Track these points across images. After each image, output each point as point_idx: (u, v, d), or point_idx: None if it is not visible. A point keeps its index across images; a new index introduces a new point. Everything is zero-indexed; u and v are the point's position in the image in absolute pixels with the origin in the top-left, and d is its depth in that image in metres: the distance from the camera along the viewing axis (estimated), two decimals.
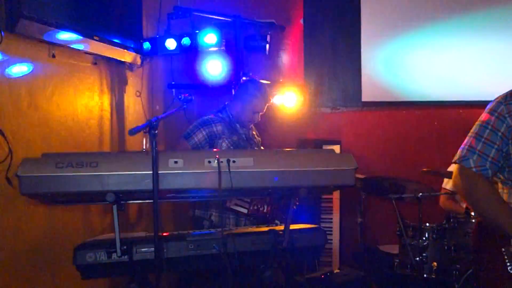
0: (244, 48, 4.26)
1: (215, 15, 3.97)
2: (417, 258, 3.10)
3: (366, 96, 4.58)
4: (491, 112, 1.90)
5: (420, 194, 3.20)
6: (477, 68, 4.34)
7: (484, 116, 1.93)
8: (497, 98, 1.93)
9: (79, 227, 2.67)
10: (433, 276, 3.11)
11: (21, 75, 2.26)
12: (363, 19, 4.56)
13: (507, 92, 1.92)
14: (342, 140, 4.32)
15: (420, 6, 4.49)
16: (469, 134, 1.95)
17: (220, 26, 3.88)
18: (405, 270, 3.21)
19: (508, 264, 1.80)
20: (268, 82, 4.40)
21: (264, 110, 3.02)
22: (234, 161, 1.88)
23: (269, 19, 4.37)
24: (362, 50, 4.55)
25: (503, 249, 1.82)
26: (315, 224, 2.35)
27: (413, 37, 4.47)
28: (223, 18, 4.02)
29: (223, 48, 3.54)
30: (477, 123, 1.94)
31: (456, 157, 1.94)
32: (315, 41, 4.69)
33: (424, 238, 3.17)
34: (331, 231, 4.14)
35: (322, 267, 3.94)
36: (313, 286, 3.16)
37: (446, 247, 3.11)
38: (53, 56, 2.45)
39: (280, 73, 4.75)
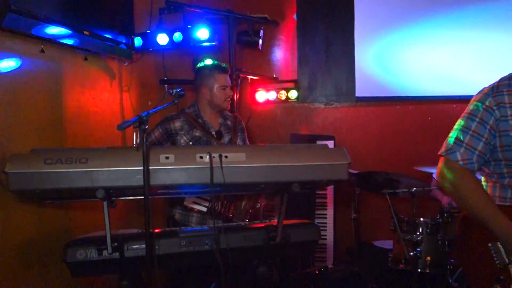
0: (237, 44, 4.24)
1: (208, 10, 3.95)
2: (411, 253, 3.10)
3: (359, 91, 4.57)
4: (479, 104, 1.85)
5: (414, 189, 3.20)
6: (470, 63, 4.35)
7: (470, 108, 1.88)
8: (483, 89, 1.90)
9: (70, 224, 2.64)
10: (427, 271, 3.11)
11: (9, 70, 2.22)
12: (357, 14, 4.54)
13: (493, 84, 1.89)
14: (335, 136, 4.31)
15: (413, 1, 4.49)
16: (455, 126, 1.91)
17: (212, 21, 3.86)
18: (400, 265, 3.21)
19: (496, 259, 1.78)
20: (260, 77, 4.40)
21: (230, 85, 2.97)
22: (226, 156, 1.86)
23: (262, 14, 4.35)
24: (355, 45, 4.55)
25: (489, 244, 1.80)
26: (309, 219, 2.33)
27: (407, 32, 4.47)
28: (216, 13, 3.99)
29: (215, 43, 3.51)
30: (463, 114, 1.90)
31: (442, 150, 1.91)
32: (309, 37, 4.67)
33: (418, 233, 3.17)
34: (326, 226, 4.14)
35: (317, 263, 3.94)
36: (307, 282, 3.16)
37: (440, 242, 3.12)
38: (42, 51, 2.41)
39: (273, 68, 4.73)
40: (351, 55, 4.56)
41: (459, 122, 1.90)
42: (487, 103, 1.83)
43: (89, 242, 1.94)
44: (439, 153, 1.93)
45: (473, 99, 1.91)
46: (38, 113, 2.41)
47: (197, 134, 2.82)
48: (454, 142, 1.86)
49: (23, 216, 2.29)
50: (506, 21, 4.23)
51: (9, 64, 2.23)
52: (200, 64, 3.01)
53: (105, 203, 1.84)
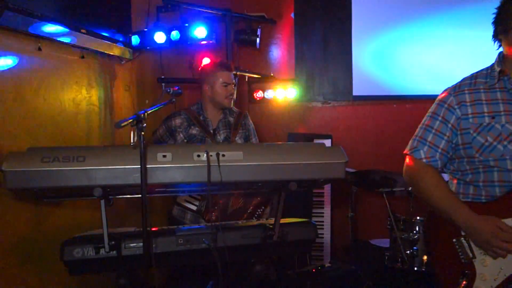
0: (234, 42, 4.24)
1: (205, 8, 3.95)
2: (408, 252, 3.12)
3: (357, 90, 4.59)
4: (441, 103, 1.92)
5: (411, 187, 3.21)
6: (467, 62, 4.36)
7: (434, 107, 1.95)
8: (446, 89, 1.97)
9: (67, 222, 2.64)
10: (424, 269, 3.13)
11: (6, 68, 2.21)
12: (354, 13, 4.56)
13: (456, 83, 1.95)
14: (333, 134, 4.32)
15: (410, 0, 4.50)
16: (420, 125, 1.98)
17: (210, 20, 3.86)
18: (396, 263, 3.22)
19: (460, 254, 1.82)
20: (257, 76, 4.40)
21: (234, 81, 2.95)
22: (223, 155, 1.86)
23: (259, 13, 4.35)
24: (353, 44, 4.56)
25: (454, 240, 1.84)
26: (306, 218, 2.33)
27: (404, 31, 4.48)
28: (213, 12, 3.99)
29: (213, 41, 3.51)
30: (427, 114, 1.97)
31: (407, 148, 1.98)
32: (306, 35, 4.67)
33: (414, 232, 3.18)
34: (322, 225, 4.15)
35: (313, 261, 3.95)
36: (304, 280, 3.16)
37: None
38: (40, 49, 2.40)
39: (271, 67, 4.73)
40: (348, 54, 4.58)
41: (423, 121, 1.97)
42: (448, 102, 1.90)
43: (86, 240, 1.93)
44: (404, 151, 2.01)
45: (437, 98, 1.97)
46: (35, 111, 2.41)
47: (193, 132, 2.83)
48: (418, 141, 1.94)
49: (20, 214, 2.29)
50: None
51: (5, 62, 2.22)
52: (204, 62, 3.04)
53: (102, 201, 1.84)
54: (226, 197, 2.73)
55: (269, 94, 4.54)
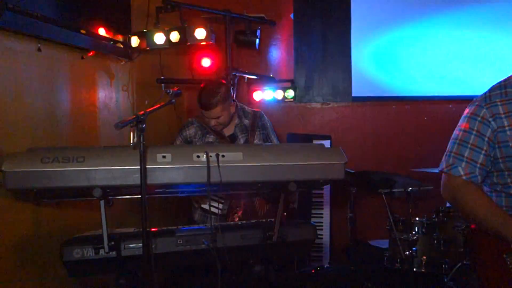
0: (234, 43, 4.24)
1: (205, 9, 3.94)
2: (407, 252, 3.11)
3: (356, 91, 4.59)
4: (473, 117, 1.84)
5: (410, 188, 3.21)
6: (466, 63, 4.37)
7: (466, 121, 1.87)
8: (475, 101, 1.88)
9: (67, 222, 2.64)
10: (423, 270, 3.13)
11: (6, 68, 2.21)
12: (353, 14, 4.56)
13: (484, 95, 1.87)
14: (332, 135, 4.32)
15: (410, 1, 4.51)
16: (452, 140, 1.90)
17: (209, 21, 3.86)
18: (395, 264, 3.22)
19: None
20: (256, 77, 4.40)
21: (216, 116, 2.75)
22: (223, 156, 1.87)
23: (259, 14, 4.35)
24: (352, 45, 4.56)
25: (504, 255, 1.76)
26: (305, 219, 2.34)
27: (403, 32, 4.49)
28: (213, 13, 3.99)
29: (212, 42, 3.51)
30: (459, 128, 1.89)
31: (443, 166, 1.89)
32: (305, 36, 4.68)
33: (413, 232, 3.19)
34: (322, 226, 4.15)
35: (313, 262, 3.95)
36: (304, 281, 3.17)
37: (435, 241, 3.13)
38: (39, 49, 2.40)
39: (270, 68, 4.73)
40: (347, 55, 4.58)
41: (456, 136, 1.88)
42: (481, 115, 1.82)
43: (85, 241, 1.94)
44: (439, 169, 1.91)
45: (466, 111, 1.89)
46: (35, 112, 2.41)
47: (210, 140, 2.82)
48: (454, 157, 1.85)
49: (20, 215, 2.28)
50: (503, 21, 4.25)
51: (5, 62, 2.23)
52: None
53: (101, 202, 1.84)
54: (250, 199, 2.72)
55: (269, 95, 4.54)
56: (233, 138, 2.86)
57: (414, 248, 3.13)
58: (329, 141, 4.25)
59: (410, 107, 4.53)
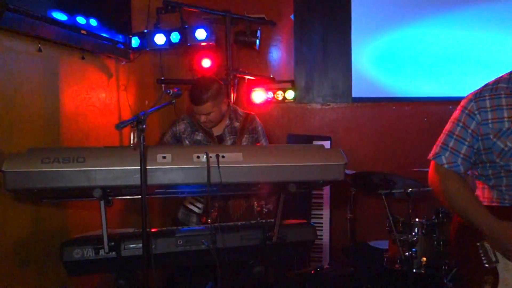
0: (234, 44, 4.25)
1: (205, 10, 3.95)
2: (407, 253, 3.12)
3: (356, 92, 4.59)
4: (462, 109, 1.93)
5: (410, 189, 3.22)
6: (466, 64, 4.38)
7: (455, 113, 1.97)
8: (468, 95, 1.96)
9: (67, 223, 2.64)
10: (423, 271, 3.13)
11: (6, 69, 2.22)
12: (354, 15, 4.57)
13: (478, 89, 1.95)
14: (332, 136, 4.33)
15: (410, 2, 4.51)
16: (443, 131, 1.99)
17: (210, 21, 3.86)
18: (395, 265, 3.22)
19: (483, 258, 1.82)
20: (257, 77, 4.40)
21: (205, 112, 2.72)
22: (223, 156, 1.87)
23: (259, 15, 4.35)
24: (352, 45, 4.57)
25: (477, 244, 1.85)
26: (305, 219, 2.34)
27: (403, 33, 4.49)
28: (213, 13, 3.99)
29: (213, 43, 3.51)
30: (450, 120, 1.98)
31: (430, 154, 1.99)
32: (306, 37, 4.68)
33: (413, 233, 3.19)
34: (322, 226, 4.15)
35: (312, 263, 3.95)
36: (303, 281, 3.17)
37: (435, 242, 3.14)
38: (40, 50, 2.41)
39: (270, 68, 4.74)
40: (347, 56, 4.58)
41: (446, 127, 1.99)
42: (469, 107, 1.91)
43: (85, 241, 1.94)
44: (428, 157, 2.00)
45: (459, 104, 1.98)
46: (35, 112, 2.41)
47: (198, 138, 2.81)
48: (440, 146, 1.96)
49: (20, 215, 2.29)
50: (504, 22, 4.25)
51: (6, 62, 2.23)
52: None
53: (102, 202, 1.84)
54: (225, 200, 2.72)
55: (269, 95, 4.55)
56: (220, 139, 2.86)
57: (413, 249, 3.14)
58: (329, 142, 4.26)
59: (410, 108, 4.53)
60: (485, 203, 1.90)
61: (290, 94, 4.54)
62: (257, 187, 2.09)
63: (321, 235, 4.11)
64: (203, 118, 2.76)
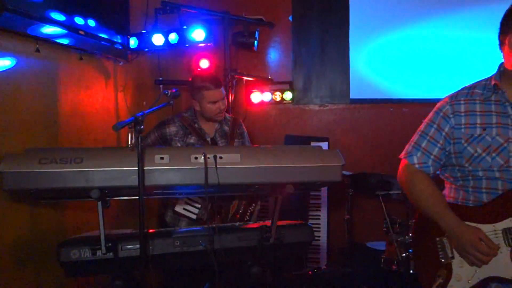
0: (232, 45, 4.25)
1: (203, 11, 3.96)
2: (404, 254, 3.12)
3: (354, 93, 4.60)
4: (437, 111, 1.96)
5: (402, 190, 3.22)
6: (463, 66, 4.39)
7: (431, 114, 1.99)
8: (445, 97, 1.99)
9: (64, 223, 2.64)
10: None
11: (4, 69, 2.22)
12: (352, 17, 4.58)
13: (455, 92, 1.98)
14: (330, 137, 4.33)
15: (407, 4, 4.52)
16: (417, 130, 2.03)
17: (208, 22, 3.86)
18: (392, 266, 3.23)
19: (440, 253, 1.88)
20: (255, 78, 4.41)
21: (223, 96, 2.78)
22: (221, 157, 1.87)
23: (257, 16, 4.36)
24: (350, 47, 4.58)
25: (437, 239, 1.90)
26: (302, 220, 2.34)
27: (401, 34, 4.51)
28: (212, 14, 4.00)
29: (211, 44, 3.52)
30: (424, 121, 2.01)
31: (403, 152, 2.04)
32: (304, 38, 4.69)
33: (410, 235, 3.19)
34: (319, 228, 4.15)
35: (310, 264, 3.95)
36: (301, 282, 3.17)
37: None
38: (38, 50, 2.40)
39: (268, 69, 4.74)
40: (345, 57, 4.59)
41: (420, 127, 2.02)
42: (444, 110, 1.94)
43: (83, 242, 1.94)
44: (399, 156, 2.05)
45: (436, 105, 2.00)
46: (33, 112, 2.41)
47: (191, 141, 2.78)
48: (413, 146, 2.00)
49: (17, 215, 2.28)
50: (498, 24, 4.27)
51: (4, 63, 2.23)
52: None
53: (99, 203, 1.84)
54: (227, 203, 2.72)
55: (267, 96, 4.55)
56: (213, 142, 2.84)
57: (410, 250, 3.14)
58: (327, 143, 4.26)
59: (408, 110, 4.54)
60: (451, 201, 1.96)
61: (288, 95, 4.54)
62: (255, 188, 2.09)
63: (319, 236, 4.11)
64: (221, 105, 2.76)
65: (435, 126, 1.94)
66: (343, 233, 3.76)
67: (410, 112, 4.53)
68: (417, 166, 1.96)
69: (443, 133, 1.92)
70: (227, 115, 2.97)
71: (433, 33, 4.45)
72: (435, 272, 1.87)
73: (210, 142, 2.82)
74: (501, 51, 1.94)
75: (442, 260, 1.88)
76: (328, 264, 4.04)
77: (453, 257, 1.87)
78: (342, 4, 4.57)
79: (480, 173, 1.86)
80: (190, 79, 3.02)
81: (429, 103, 4.48)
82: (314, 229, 2.26)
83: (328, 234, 4.18)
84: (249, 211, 2.80)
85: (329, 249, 4.19)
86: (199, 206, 2.72)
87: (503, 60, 1.94)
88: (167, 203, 2.85)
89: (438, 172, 2.04)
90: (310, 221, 4.12)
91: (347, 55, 4.58)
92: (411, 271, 3.13)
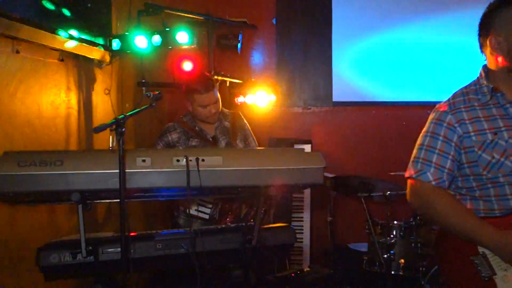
0: (216, 47, 4.25)
1: (187, 13, 3.94)
2: (385, 256, 3.16)
3: (336, 96, 4.65)
4: (439, 122, 1.85)
5: (388, 192, 3.27)
6: (444, 69, 4.47)
7: (432, 127, 1.88)
8: (439, 107, 1.90)
9: (44, 227, 2.60)
10: (401, 273, 3.18)
11: None
12: (334, 20, 4.62)
13: (448, 101, 1.89)
14: (313, 140, 4.37)
15: (389, 9, 4.59)
16: (418, 146, 1.90)
17: (192, 24, 3.86)
18: (374, 267, 3.26)
19: (481, 272, 1.75)
20: (238, 81, 4.41)
21: (215, 100, 2.77)
22: (203, 160, 1.87)
23: (241, 19, 4.37)
24: (333, 50, 4.62)
25: (471, 258, 1.78)
26: (286, 222, 2.36)
27: (383, 38, 4.57)
28: (195, 16, 3.99)
29: (194, 46, 3.51)
30: (424, 134, 1.90)
31: (411, 172, 1.89)
32: (287, 41, 4.72)
33: (392, 236, 3.23)
34: (302, 229, 4.17)
35: (293, 266, 3.97)
36: (283, 285, 3.18)
37: (413, 244, 3.19)
38: (17, 51, 2.37)
39: (252, 72, 4.76)
40: (328, 60, 4.63)
41: (423, 142, 1.89)
42: (447, 120, 1.84)
43: (63, 245, 1.92)
44: (407, 175, 1.92)
45: (431, 117, 1.91)
46: (12, 114, 2.38)
47: (194, 143, 2.79)
48: (423, 163, 1.86)
49: None
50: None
51: None
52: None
53: (80, 206, 1.82)
54: (239, 203, 2.72)
55: (250, 99, 4.56)
56: (214, 141, 2.85)
57: (392, 251, 3.18)
58: (310, 145, 4.29)
59: (389, 112, 4.60)
60: None
61: (271, 98, 4.55)
62: (237, 190, 2.10)
63: (302, 238, 4.13)
64: (212, 109, 2.73)
65: (441, 138, 1.83)
66: (326, 235, 3.78)
67: (392, 115, 4.60)
68: (434, 183, 1.81)
69: (453, 144, 1.81)
70: (226, 110, 2.97)
71: (415, 37, 4.52)
72: None
73: (212, 141, 2.83)
74: (483, 53, 1.90)
75: (485, 279, 1.74)
76: (311, 265, 4.05)
77: (495, 273, 1.74)
78: (325, 7, 4.62)
79: (501, 179, 1.75)
80: (176, 81, 3.01)
81: (411, 106, 4.58)
82: (297, 231, 2.28)
83: (311, 235, 4.21)
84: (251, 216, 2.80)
85: (312, 250, 4.21)
86: (210, 206, 2.71)
87: (485, 62, 1.90)
88: (179, 206, 2.85)
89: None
90: (294, 223, 4.13)
91: (330, 58, 4.62)
92: (392, 272, 3.17)
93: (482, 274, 1.75)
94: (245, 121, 2.97)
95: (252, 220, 2.69)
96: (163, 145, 2.84)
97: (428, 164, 1.84)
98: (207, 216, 2.72)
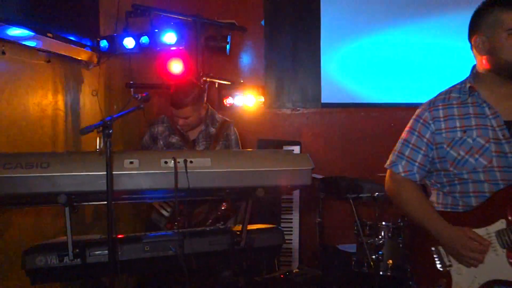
0: (205, 49, 4.24)
1: (175, 14, 3.93)
2: (374, 256, 3.18)
3: (325, 98, 4.67)
4: (417, 119, 1.99)
5: (377, 193, 3.29)
6: (432, 71, 4.51)
7: (411, 122, 2.02)
8: (423, 104, 2.02)
9: (30, 229, 2.58)
10: (389, 274, 3.20)
11: None
12: (323, 22, 4.65)
13: (432, 98, 2.01)
14: (302, 141, 4.38)
15: (377, 10, 4.62)
16: (399, 139, 2.05)
17: (180, 26, 3.84)
18: (362, 268, 3.28)
19: (437, 261, 1.86)
20: (227, 82, 4.41)
21: (185, 116, 2.77)
22: (191, 162, 1.86)
23: (230, 20, 4.37)
24: (321, 52, 4.64)
25: (432, 248, 1.89)
26: (275, 224, 2.36)
27: (371, 40, 4.60)
28: (184, 18, 3.98)
29: (183, 47, 3.50)
30: (405, 129, 2.04)
31: (387, 163, 2.04)
32: (276, 43, 4.73)
33: (380, 237, 3.25)
34: (291, 231, 4.18)
35: (283, 267, 3.97)
36: (272, 286, 3.18)
37: (401, 245, 3.20)
38: (3, 53, 2.35)
39: (240, 73, 4.76)
40: (317, 62, 4.66)
41: (402, 136, 2.04)
42: (423, 117, 1.96)
43: (49, 248, 1.90)
44: (385, 165, 2.05)
45: (415, 113, 2.03)
46: None
47: (173, 140, 2.84)
48: (397, 155, 2.01)
49: None
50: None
51: None
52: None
53: (67, 208, 1.81)
54: (190, 206, 2.72)
55: (239, 100, 4.56)
56: (194, 143, 2.89)
57: (380, 252, 3.20)
58: (299, 146, 4.30)
59: (378, 114, 4.63)
60: (440, 209, 1.94)
61: (260, 99, 4.56)
62: (225, 192, 2.10)
63: (291, 239, 4.14)
64: (181, 122, 2.81)
65: (416, 133, 1.96)
66: (314, 236, 3.80)
67: (380, 116, 4.62)
68: (402, 174, 1.96)
69: (425, 140, 1.94)
70: (218, 116, 2.98)
71: (403, 40, 4.56)
72: (435, 281, 1.84)
73: (192, 143, 2.87)
74: (473, 54, 1.98)
75: (441, 269, 1.85)
76: (299, 267, 4.06)
77: (451, 265, 1.84)
78: (314, 9, 4.64)
79: (466, 176, 1.86)
80: (164, 83, 3.03)
81: (399, 107, 4.62)
82: (286, 232, 2.29)
83: (300, 237, 4.22)
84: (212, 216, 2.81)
85: (301, 251, 4.22)
86: (171, 204, 2.76)
87: (475, 63, 1.97)
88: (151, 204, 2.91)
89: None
90: (282, 224, 4.14)
91: (319, 59, 4.64)
92: (381, 273, 3.19)
93: (439, 265, 1.86)
94: (234, 131, 2.96)
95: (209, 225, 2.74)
96: (149, 134, 2.95)
97: (401, 157, 1.99)
98: (166, 214, 2.79)
